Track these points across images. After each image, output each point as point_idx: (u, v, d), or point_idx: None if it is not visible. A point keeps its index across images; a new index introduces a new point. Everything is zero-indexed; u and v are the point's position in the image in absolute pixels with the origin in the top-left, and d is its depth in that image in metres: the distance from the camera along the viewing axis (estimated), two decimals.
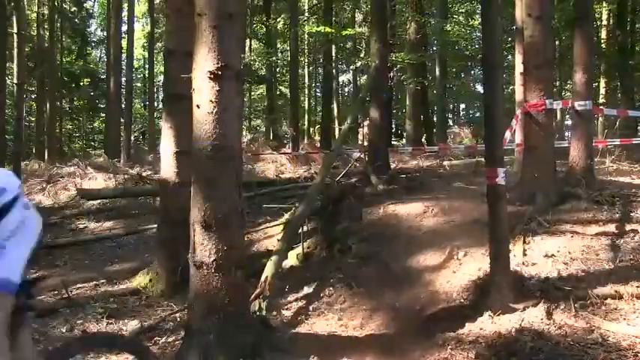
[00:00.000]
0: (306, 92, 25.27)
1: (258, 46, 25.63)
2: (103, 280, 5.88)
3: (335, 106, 24.83)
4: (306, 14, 22.26)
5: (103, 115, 25.80)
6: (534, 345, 3.19)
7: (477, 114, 28.34)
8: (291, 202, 7.88)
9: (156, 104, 25.71)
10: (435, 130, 18.90)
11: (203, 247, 3.51)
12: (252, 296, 4.41)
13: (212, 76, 3.42)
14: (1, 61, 7.59)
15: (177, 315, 4.71)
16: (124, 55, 19.93)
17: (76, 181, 11.48)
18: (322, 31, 16.82)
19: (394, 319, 4.23)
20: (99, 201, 9.98)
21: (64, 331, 4.47)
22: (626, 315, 3.49)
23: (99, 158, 16.73)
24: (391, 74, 14.78)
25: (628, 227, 4.81)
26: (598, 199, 5.55)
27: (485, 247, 4.21)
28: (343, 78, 27.94)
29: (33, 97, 22.38)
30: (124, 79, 19.56)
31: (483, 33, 4.12)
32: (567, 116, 17.72)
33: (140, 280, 5.65)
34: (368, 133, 11.11)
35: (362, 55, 21.27)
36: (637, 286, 3.74)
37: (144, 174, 12.05)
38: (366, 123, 13.67)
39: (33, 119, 22.48)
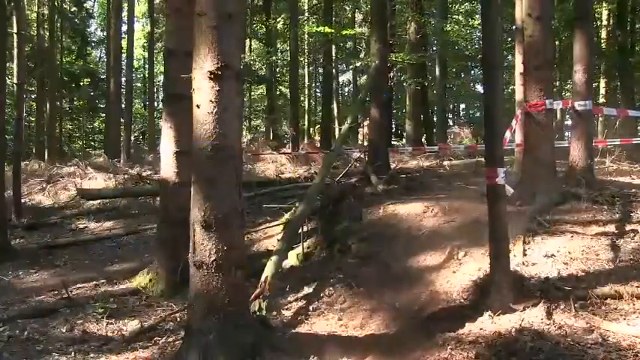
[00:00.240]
0: (306, 92, 25.27)
1: (258, 46, 25.63)
2: (103, 280, 5.88)
3: (335, 106, 24.82)
4: (306, 14, 22.26)
5: (103, 115, 25.80)
6: (534, 345, 3.19)
7: (477, 114, 28.36)
8: (291, 202, 7.88)
9: (156, 104, 25.71)
10: (435, 130, 18.89)
11: (203, 247, 3.51)
12: (252, 296, 4.41)
13: (212, 76, 3.42)
14: (1, 61, 7.57)
15: (177, 315, 4.71)
16: (124, 55, 19.92)
17: (76, 181, 11.49)
18: (322, 31, 16.81)
19: (394, 319, 4.23)
20: (99, 201, 9.99)
21: (64, 331, 4.47)
22: (626, 315, 3.49)
23: (99, 158, 16.74)
24: (391, 74, 14.78)
25: (628, 227, 4.81)
26: (598, 199, 5.55)
27: (485, 247, 4.21)
28: (343, 78, 27.93)
29: (33, 97, 22.37)
30: (124, 79, 19.55)
31: (483, 33, 4.12)
32: (567, 116, 17.72)
33: (140, 280, 5.65)
34: (368, 133, 11.12)
35: (362, 55, 21.26)
36: (637, 286, 3.74)
37: (144, 174, 12.05)
38: (366, 123, 13.68)
39: (33, 119, 22.47)
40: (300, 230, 5.93)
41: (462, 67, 24.36)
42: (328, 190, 6.78)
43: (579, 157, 6.23)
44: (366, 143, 12.51)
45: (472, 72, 25.86)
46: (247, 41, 23.34)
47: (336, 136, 18.18)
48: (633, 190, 6.09)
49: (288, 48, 21.28)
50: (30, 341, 4.26)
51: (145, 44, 28.20)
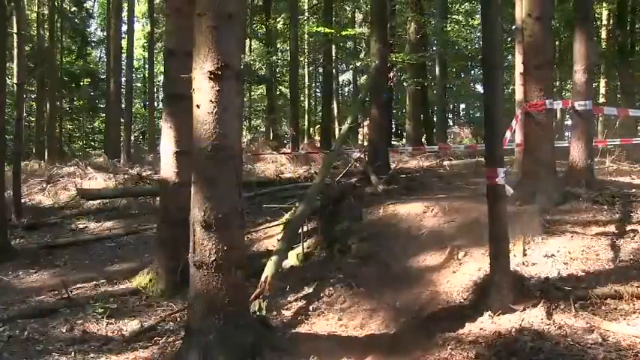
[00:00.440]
0: (306, 92, 25.28)
1: (258, 46, 25.63)
2: (103, 280, 5.88)
3: (335, 106, 24.82)
4: (306, 14, 22.26)
5: (103, 115, 25.79)
6: (534, 345, 3.19)
7: (477, 114, 28.37)
8: (291, 202, 7.88)
9: (156, 104, 25.72)
10: (435, 130, 18.89)
11: (203, 247, 3.51)
12: (252, 296, 4.41)
13: (212, 76, 3.42)
14: (1, 61, 7.57)
15: (177, 315, 4.71)
16: (124, 55, 19.92)
17: (76, 181, 11.49)
18: (322, 31, 16.82)
19: (394, 319, 4.23)
20: (99, 201, 10.00)
21: (64, 331, 4.47)
22: (626, 315, 3.49)
23: (99, 158, 16.76)
24: (391, 74, 14.77)
25: (628, 227, 4.82)
26: (598, 199, 5.56)
27: (485, 247, 4.21)
28: (343, 78, 27.92)
29: (33, 97, 22.37)
30: (124, 79, 19.56)
31: (483, 33, 4.12)
32: (567, 116, 17.72)
33: (140, 280, 5.65)
34: (368, 133, 11.12)
35: (362, 55, 21.26)
36: (637, 286, 3.74)
37: (144, 174, 12.06)
38: (366, 123, 13.67)
39: (33, 119, 22.47)
40: (300, 230, 5.93)
41: (462, 67, 24.36)
42: (328, 190, 6.78)
43: (579, 157, 6.23)
44: (366, 143, 12.51)
45: (472, 72, 25.87)
46: (247, 41, 23.34)
47: (336, 136, 18.18)
48: (633, 190, 6.09)
49: (288, 48, 21.28)
50: (30, 341, 4.26)
51: (145, 44, 28.21)
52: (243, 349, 3.52)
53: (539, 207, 5.37)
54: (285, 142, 19.52)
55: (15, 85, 11.68)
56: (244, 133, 19.39)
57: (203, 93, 3.47)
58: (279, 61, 23.76)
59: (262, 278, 4.68)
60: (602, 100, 17.17)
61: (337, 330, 4.28)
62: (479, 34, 18.86)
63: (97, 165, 13.65)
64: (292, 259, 5.87)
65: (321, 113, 21.92)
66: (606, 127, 15.09)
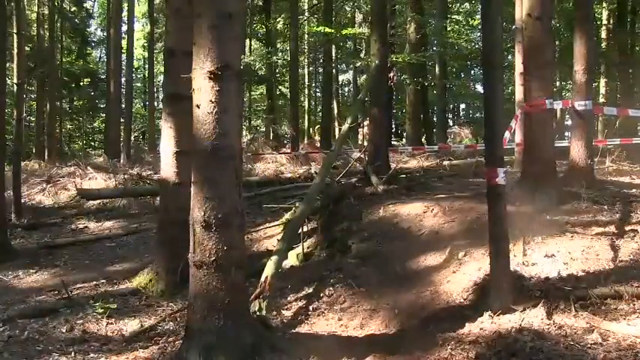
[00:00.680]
0: (306, 92, 25.28)
1: (258, 46, 25.64)
2: (103, 280, 5.88)
3: (335, 106, 24.82)
4: (306, 14, 22.26)
5: (103, 115, 25.79)
6: (534, 345, 3.19)
7: (477, 114, 28.37)
8: (291, 202, 7.88)
9: (156, 104, 25.70)
10: (435, 130, 18.91)
11: (203, 247, 3.51)
12: (252, 296, 4.41)
13: (212, 76, 3.42)
14: (1, 61, 7.57)
15: (177, 315, 4.71)
16: (124, 55, 19.93)
17: (76, 181, 11.49)
18: (322, 31, 16.82)
19: (394, 319, 4.23)
20: (99, 201, 10.00)
21: (64, 331, 4.47)
22: (626, 315, 3.49)
23: (99, 158, 16.77)
24: (391, 74, 14.78)
25: (628, 227, 4.82)
26: (598, 199, 5.56)
27: (485, 247, 4.21)
28: (343, 78, 27.93)
29: (33, 97, 22.37)
30: (124, 79, 19.56)
31: (483, 33, 4.12)
32: (567, 116, 17.72)
33: (140, 280, 5.65)
34: (368, 133, 11.11)
35: (362, 55, 21.26)
36: (637, 286, 3.74)
37: (144, 174, 12.06)
38: (366, 123, 13.67)
39: (33, 119, 22.47)
40: (300, 230, 5.93)
41: (462, 67, 24.37)
42: (328, 190, 6.77)
43: (579, 157, 6.23)
44: (366, 143, 12.50)
45: (472, 72, 25.89)
46: (247, 41, 23.35)
47: (336, 136, 18.18)
48: (633, 190, 6.10)
49: (288, 48, 21.28)
50: (30, 341, 4.25)
51: (145, 44, 28.21)
52: (243, 349, 3.52)
53: (539, 207, 5.37)
54: (285, 142, 19.51)
55: (15, 85, 11.68)
56: (244, 133, 19.38)
57: (203, 93, 3.46)
58: (279, 61, 23.76)
59: (262, 278, 4.68)
60: (602, 100, 17.16)
61: (337, 330, 4.27)
62: (479, 34, 18.86)
63: (97, 165, 13.64)
64: (292, 259, 5.87)
65: (321, 113, 21.93)
66: (606, 127, 15.10)
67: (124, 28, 21.00)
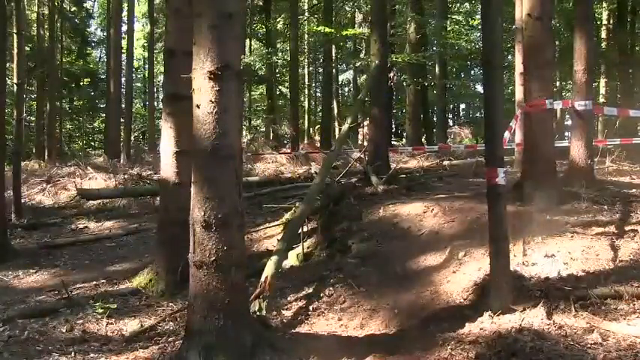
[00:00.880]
0: (306, 92, 25.28)
1: (258, 46, 25.63)
2: (103, 280, 5.88)
3: (335, 106, 24.83)
4: (306, 14, 22.27)
5: (103, 115, 25.79)
6: (534, 345, 3.19)
7: (477, 114, 28.39)
8: (291, 202, 7.88)
9: (156, 104, 25.70)
10: (435, 130, 18.91)
11: (203, 247, 3.51)
12: (252, 296, 4.41)
13: (212, 76, 3.41)
14: (1, 61, 7.57)
15: (177, 315, 4.70)
16: (124, 55, 19.93)
17: (76, 181, 11.49)
18: (322, 31, 16.83)
19: (394, 319, 4.23)
20: (99, 201, 10.00)
21: (64, 331, 4.47)
22: (626, 315, 3.49)
23: (99, 158, 16.77)
24: (391, 74, 14.78)
25: (628, 227, 4.81)
26: (598, 199, 5.56)
27: (485, 247, 4.21)
28: (343, 78, 27.93)
29: (33, 97, 22.36)
30: (124, 79, 19.56)
31: (483, 33, 4.12)
32: (567, 116, 17.73)
33: (140, 280, 5.65)
34: (368, 133, 11.11)
35: (362, 55, 21.26)
36: (637, 286, 3.74)
37: (144, 174, 12.07)
38: (366, 123, 13.67)
39: (33, 119, 22.47)
40: (300, 230, 5.93)
41: (462, 67, 24.39)
42: (328, 190, 6.78)
43: (579, 157, 6.23)
44: (366, 143, 12.51)
45: (472, 72, 25.89)
46: (247, 41, 23.34)
47: (336, 136, 18.18)
48: (633, 190, 6.10)
49: (288, 48, 21.29)
50: (30, 341, 4.25)
51: (145, 44, 28.22)
52: (243, 349, 3.52)
53: (539, 207, 5.37)
54: (285, 142, 19.52)
55: (15, 85, 11.67)
56: (244, 133, 19.38)
57: (203, 93, 3.46)
58: (279, 61, 23.77)
59: (262, 278, 4.68)
60: (602, 100, 17.17)
61: (337, 330, 4.27)
62: (479, 34, 18.87)
63: (97, 165, 13.65)
64: (292, 259, 5.87)
65: (321, 113, 21.93)
66: (606, 127, 15.10)
67: (124, 28, 21.01)
